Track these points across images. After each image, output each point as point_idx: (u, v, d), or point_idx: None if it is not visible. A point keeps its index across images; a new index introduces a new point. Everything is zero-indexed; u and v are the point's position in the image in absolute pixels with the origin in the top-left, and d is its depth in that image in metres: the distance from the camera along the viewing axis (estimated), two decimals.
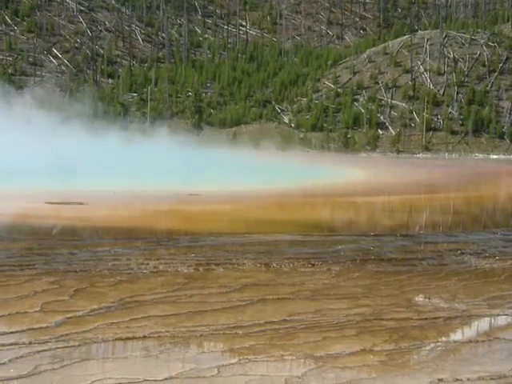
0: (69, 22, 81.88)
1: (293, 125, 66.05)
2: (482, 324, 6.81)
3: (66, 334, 5.93)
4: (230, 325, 6.36)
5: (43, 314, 6.53)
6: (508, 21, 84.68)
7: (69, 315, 6.49)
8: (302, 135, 64.00)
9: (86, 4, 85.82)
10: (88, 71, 75.78)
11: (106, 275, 8.20)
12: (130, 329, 6.15)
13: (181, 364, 5.38)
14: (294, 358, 5.59)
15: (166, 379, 5.08)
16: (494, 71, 68.38)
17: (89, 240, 11.16)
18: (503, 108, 65.14)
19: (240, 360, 5.50)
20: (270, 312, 6.84)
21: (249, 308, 7.00)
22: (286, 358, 5.59)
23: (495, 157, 59.31)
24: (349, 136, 63.26)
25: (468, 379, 5.21)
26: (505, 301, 7.54)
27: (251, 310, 6.91)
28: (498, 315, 7.03)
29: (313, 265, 9.16)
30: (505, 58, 69.58)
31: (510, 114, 64.57)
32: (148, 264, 8.86)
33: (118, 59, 78.88)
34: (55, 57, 76.58)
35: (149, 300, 7.15)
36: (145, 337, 5.96)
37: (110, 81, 74.84)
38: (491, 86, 67.26)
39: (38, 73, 72.75)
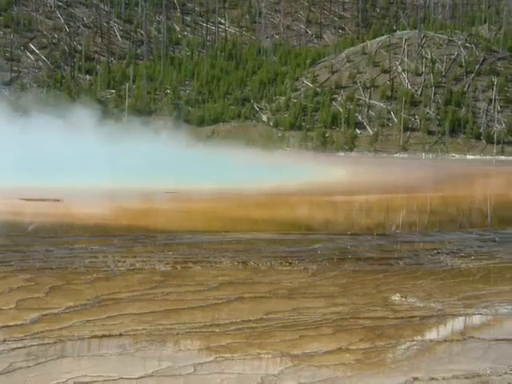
0: (46, 18, 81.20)
1: (271, 123, 66.07)
2: (457, 323, 6.86)
3: (42, 332, 5.89)
4: (206, 323, 6.36)
5: (18, 312, 6.48)
6: (485, 22, 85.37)
7: (44, 312, 6.45)
8: (280, 134, 64.04)
9: (64, 0, 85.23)
10: (65, 67, 75.23)
11: (83, 272, 8.16)
12: (106, 326, 6.12)
13: (157, 362, 5.36)
14: (270, 356, 5.60)
15: (141, 377, 5.06)
16: (471, 72, 68.86)
17: (65, 237, 11.09)
18: (480, 109, 65.62)
19: (216, 358, 5.49)
20: (247, 310, 6.84)
21: (226, 306, 6.99)
22: (262, 356, 5.60)
23: (471, 157, 59.73)
24: (327, 135, 63.39)
25: (443, 378, 5.25)
26: (479, 300, 7.60)
27: (228, 309, 6.91)
28: (473, 314, 7.09)
29: (290, 263, 9.17)
30: (482, 59, 70.10)
31: (486, 115, 65.08)
32: (125, 261, 8.83)
33: (96, 55, 78.39)
34: (32, 52, 75.93)
35: (125, 298, 7.12)
36: (121, 334, 5.93)
37: (88, 77, 74.36)
38: (468, 87, 67.73)
39: (14, 68, 72.09)
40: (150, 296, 7.24)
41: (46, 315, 6.39)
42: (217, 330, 6.16)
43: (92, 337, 5.84)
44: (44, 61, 75.21)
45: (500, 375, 5.34)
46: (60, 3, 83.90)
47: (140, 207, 16.45)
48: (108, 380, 4.97)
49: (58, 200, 15.82)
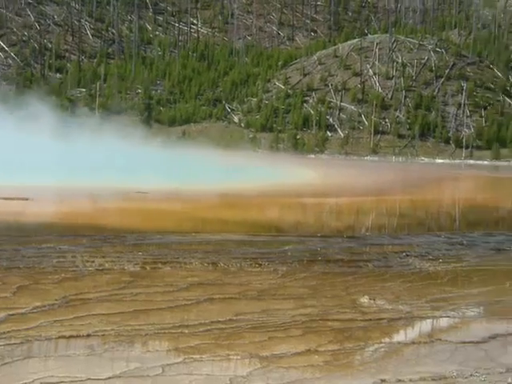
0: (16, 15, 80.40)
1: (242, 124, 66.11)
2: (425, 325, 6.91)
3: (8, 332, 5.83)
4: (175, 324, 6.34)
5: None
6: (455, 27, 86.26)
7: (11, 312, 6.38)
8: (251, 135, 64.09)
9: None
10: (36, 65, 74.57)
11: (51, 272, 8.08)
12: (73, 327, 6.07)
13: (125, 363, 5.33)
14: (239, 357, 5.60)
15: (109, 378, 5.03)
16: (441, 77, 69.52)
17: (33, 236, 10.98)
18: (449, 113, 66.27)
19: (185, 359, 5.48)
20: (217, 311, 6.83)
21: (195, 307, 6.98)
22: (231, 357, 5.59)
23: (440, 161, 60.29)
24: (298, 137, 63.59)
25: (410, 380, 5.29)
26: (447, 303, 7.67)
27: (197, 310, 6.89)
28: (441, 317, 7.15)
29: (260, 265, 9.17)
30: (451, 63, 70.79)
31: (455, 119, 65.73)
32: (93, 261, 8.77)
33: (67, 54, 77.79)
34: (2, 50, 75.14)
35: (94, 298, 7.07)
36: (89, 335, 5.89)
37: (58, 75, 73.77)
38: (438, 92, 68.36)
39: None
40: (119, 296, 7.19)
41: (12, 315, 6.32)
42: (186, 331, 6.15)
43: (59, 337, 5.79)
44: (13, 58, 74.46)
45: (466, 377, 5.39)
46: (30, 1, 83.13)
47: (110, 207, 16.35)
48: (75, 381, 4.93)
49: (26, 199, 15.67)
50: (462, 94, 67.52)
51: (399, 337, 6.47)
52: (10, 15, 79.57)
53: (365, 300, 7.53)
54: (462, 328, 6.91)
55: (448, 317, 7.17)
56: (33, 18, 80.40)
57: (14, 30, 78.30)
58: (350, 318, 6.84)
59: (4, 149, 23.59)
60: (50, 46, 77.26)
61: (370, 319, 6.84)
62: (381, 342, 6.21)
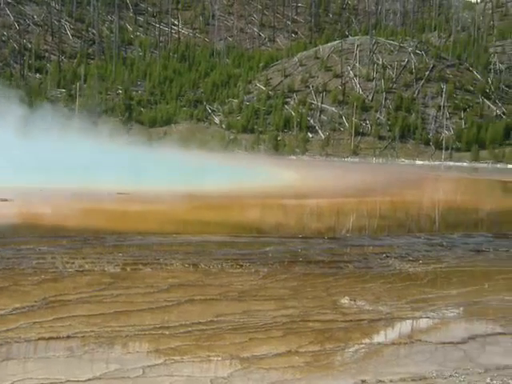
0: None
1: (223, 126, 66.10)
2: (405, 326, 6.95)
3: None
4: (156, 325, 6.32)
5: None
6: (435, 30, 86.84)
7: None
8: (232, 136, 64.09)
9: None
10: (15, 65, 74.08)
11: (30, 273, 8.03)
12: (53, 328, 6.04)
13: (105, 364, 5.31)
14: (219, 358, 5.60)
15: (89, 380, 5.01)
16: (421, 79, 69.91)
17: (12, 237, 10.91)
18: (429, 115, 66.65)
19: (165, 361, 5.47)
20: (197, 313, 6.82)
21: (176, 308, 6.97)
22: (211, 358, 5.59)
23: (420, 163, 60.61)
24: (279, 138, 63.69)
25: (390, 381, 5.31)
26: (427, 304, 7.71)
27: (178, 311, 6.88)
28: (420, 318, 7.19)
29: (241, 266, 9.18)
30: (431, 66, 71.22)
31: (435, 121, 66.12)
32: (74, 263, 8.73)
33: (47, 54, 77.38)
34: None
35: (74, 299, 7.03)
36: (69, 337, 5.86)
37: (38, 76, 73.36)
38: (418, 93, 68.74)
39: None
40: (99, 298, 7.16)
41: None
42: (166, 333, 6.13)
43: (39, 339, 5.76)
44: None
45: (445, 378, 5.43)
46: (10, 0, 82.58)
47: (90, 208, 16.27)
48: (55, 383, 4.91)
49: (5, 200, 15.55)
50: (441, 96, 67.94)
51: (379, 337, 6.50)
52: None
53: (345, 301, 7.55)
54: (442, 329, 6.96)
55: (428, 318, 7.21)
56: (12, 18, 79.86)
57: None
58: (330, 319, 6.86)
59: None
60: (30, 46, 76.81)
61: (351, 320, 6.86)
62: (361, 343, 6.24)
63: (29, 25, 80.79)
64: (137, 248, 10.19)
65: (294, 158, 59.35)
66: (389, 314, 7.16)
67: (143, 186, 20.29)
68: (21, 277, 7.86)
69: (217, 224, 14.59)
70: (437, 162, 60.85)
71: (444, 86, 68.58)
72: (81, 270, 8.43)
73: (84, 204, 16.70)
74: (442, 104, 67.13)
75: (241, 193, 21.49)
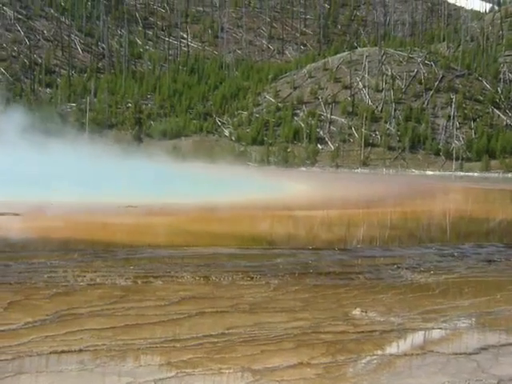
0: (6, 31, 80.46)
1: (233, 138, 66.22)
2: (417, 337, 6.92)
3: None
4: (167, 338, 6.32)
5: None
6: (444, 40, 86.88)
7: (2, 328, 6.35)
8: (242, 149, 64.18)
9: (24, 12, 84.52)
10: (26, 80, 74.54)
11: (42, 287, 8.05)
12: (65, 342, 6.04)
13: (117, 378, 5.31)
14: (231, 371, 5.58)
15: None
16: (430, 89, 69.89)
17: (24, 251, 10.94)
18: (439, 125, 66.58)
19: (177, 373, 5.46)
20: (208, 325, 6.81)
21: (187, 321, 6.96)
22: (223, 371, 5.58)
23: (431, 173, 60.50)
24: (289, 150, 63.74)
25: None
26: (439, 314, 7.68)
27: (189, 323, 6.88)
28: (432, 329, 7.16)
29: (251, 278, 9.17)
30: (441, 76, 71.21)
31: (445, 131, 66.02)
32: (85, 276, 8.74)
33: (57, 69, 77.85)
34: None
35: (85, 313, 7.04)
36: (80, 350, 5.86)
37: (48, 90, 73.77)
38: (427, 104, 68.70)
39: None
40: (111, 311, 7.17)
41: (3, 331, 6.29)
42: (178, 345, 6.13)
43: (51, 352, 5.77)
44: (3, 73, 74.43)
45: None
46: (20, 16, 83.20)
47: (100, 221, 16.31)
48: None
49: (17, 214, 15.62)
50: (451, 106, 67.89)
51: (391, 349, 6.47)
52: None
53: (357, 312, 7.53)
54: (454, 339, 6.92)
55: (440, 328, 7.18)
56: (22, 34, 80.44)
57: (4, 45, 78.33)
58: (342, 331, 6.83)
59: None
60: (40, 61, 77.33)
61: (362, 331, 6.84)
62: (373, 355, 6.21)
63: (39, 40, 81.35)
64: (147, 261, 10.19)
65: (303, 169, 59.34)
66: (400, 325, 7.13)
67: (153, 199, 20.32)
68: (33, 291, 7.88)
69: (227, 236, 14.59)
70: (447, 173, 60.72)
71: (453, 96, 68.54)
72: (92, 283, 8.45)
73: (94, 217, 16.74)
74: (451, 114, 67.07)
75: (251, 205, 21.50)
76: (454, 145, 64.24)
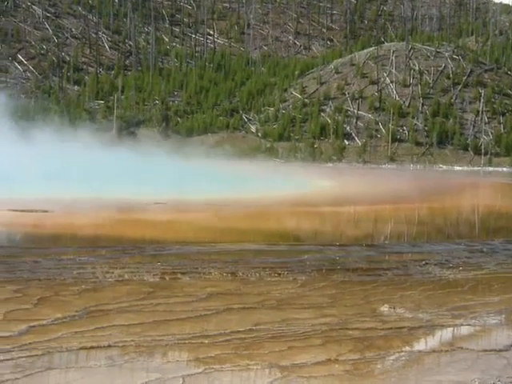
0: (35, 29, 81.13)
1: (260, 134, 66.15)
2: (446, 334, 6.87)
3: (30, 343, 5.86)
4: (195, 334, 6.34)
5: (6, 323, 6.44)
6: (472, 34, 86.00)
7: (32, 324, 6.42)
8: (268, 145, 64.12)
9: (53, 10, 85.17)
10: (54, 78, 75.14)
11: (71, 284, 8.12)
12: (94, 338, 6.09)
13: (145, 373, 5.34)
14: (259, 367, 5.59)
15: None
16: (459, 84, 69.26)
17: (53, 248, 11.04)
18: (467, 120, 65.97)
19: (205, 369, 5.48)
20: (236, 321, 6.82)
21: (214, 317, 6.98)
22: (251, 367, 5.58)
23: (459, 168, 59.99)
24: (315, 146, 63.55)
25: None
26: (468, 311, 7.62)
27: (217, 320, 6.89)
28: (461, 325, 7.11)
29: (279, 274, 9.17)
30: (469, 70, 70.53)
31: (473, 126, 65.41)
32: (113, 272, 8.80)
33: (85, 66, 78.35)
34: (20, 63, 75.81)
35: (114, 309, 7.09)
36: (109, 346, 5.91)
37: (76, 88, 74.30)
38: (455, 99, 68.09)
39: (2, 79, 71.91)
40: (139, 307, 7.21)
41: (34, 326, 6.35)
42: (206, 341, 6.15)
43: (80, 348, 5.82)
44: (32, 71, 75.09)
45: None
46: (48, 14, 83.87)
47: (128, 218, 16.41)
48: None
49: (45, 211, 15.76)
50: (479, 100, 67.24)
51: (420, 345, 6.43)
52: (28, 29, 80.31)
53: (385, 309, 7.50)
54: (484, 336, 6.87)
55: (469, 325, 7.12)
56: (51, 32, 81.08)
57: (33, 43, 79.01)
58: (370, 327, 6.81)
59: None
60: (68, 58, 77.87)
61: (391, 328, 6.81)
62: (401, 351, 6.18)
63: (67, 38, 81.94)
64: (175, 257, 10.23)
65: (330, 165, 59.14)
66: (429, 322, 7.08)
67: (180, 196, 20.39)
68: (62, 287, 7.95)
69: (254, 232, 14.60)
70: (475, 168, 60.17)
71: (482, 91, 67.85)
72: (120, 279, 8.50)
73: (122, 214, 16.84)
74: (480, 109, 66.42)
75: (278, 201, 21.49)
76: (482, 140, 63.62)
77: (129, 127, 63.85)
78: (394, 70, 70.82)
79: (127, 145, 41.50)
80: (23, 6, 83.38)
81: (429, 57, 72.31)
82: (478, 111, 66.30)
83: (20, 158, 24.43)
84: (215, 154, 51.65)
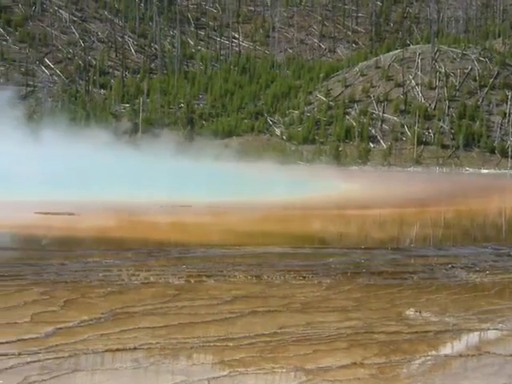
0: (61, 33, 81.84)
1: (284, 137, 66.15)
2: (473, 338, 6.81)
3: (56, 345, 5.90)
4: (220, 337, 6.35)
5: (33, 325, 6.50)
6: (499, 36, 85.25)
7: (59, 326, 6.46)
8: (293, 148, 64.08)
9: (79, 15, 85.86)
10: (80, 82, 75.73)
11: (97, 286, 8.17)
12: (120, 340, 6.12)
13: (171, 376, 5.35)
14: (284, 370, 5.58)
15: None
16: (485, 86, 68.74)
17: (79, 251, 11.13)
18: (494, 123, 65.45)
19: (230, 372, 5.48)
20: (261, 324, 6.82)
21: (239, 320, 6.98)
22: (276, 370, 5.58)
23: (486, 171, 59.52)
24: (340, 149, 63.39)
25: None
26: (495, 315, 7.55)
27: (242, 322, 6.90)
28: (488, 329, 7.04)
29: (304, 277, 9.15)
30: (496, 73, 69.98)
31: (500, 128, 64.87)
32: (139, 275, 8.84)
33: (111, 70, 78.87)
34: (47, 67, 76.51)
35: (139, 311, 7.12)
36: (135, 348, 5.93)
37: (102, 91, 74.82)
38: (482, 101, 67.59)
39: (30, 83, 72.65)
40: (164, 310, 7.24)
41: (60, 329, 6.40)
42: (231, 344, 6.15)
43: (106, 350, 5.85)
44: (59, 75, 75.74)
45: None
46: (75, 18, 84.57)
47: (153, 220, 16.49)
48: None
49: (71, 214, 15.89)
50: (506, 103, 66.67)
51: (446, 350, 6.38)
52: (55, 33, 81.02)
53: (410, 312, 7.46)
54: (511, 341, 6.80)
55: (496, 329, 7.05)
56: (77, 36, 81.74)
57: (59, 47, 79.71)
58: (395, 331, 6.77)
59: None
60: (95, 62, 78.44)
61: (416, 332, 6.77)
62: (427, 355, 6.14)
63: (93, 42, 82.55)
64: (200, 260, 10.26)
65: (355, 168, 58.97)
66: (455, 326, 7.03)
67: (205, 199, 20.44)
68: (88, 289, 8.00)
69: (279, 235, 14.59)
70: (502, 171, 59.65)
71: (509, 93, 67.27)
72: (146, 282, 8.54)
73: (147, 217, 16.92)
74: (507, 111, 65.86)
75: (303, 204, 21.47)
76: (509, 142, 63.07)
77: (154, 130, 64.06)
78: (419, 73, 70.46)
79: (151, 148, 41.64)
80: (50, 10, 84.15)
81: (455, 59, 71.85)
82: (505, 113, 65.75)
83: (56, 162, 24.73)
84: (239, 157, 51.69)
